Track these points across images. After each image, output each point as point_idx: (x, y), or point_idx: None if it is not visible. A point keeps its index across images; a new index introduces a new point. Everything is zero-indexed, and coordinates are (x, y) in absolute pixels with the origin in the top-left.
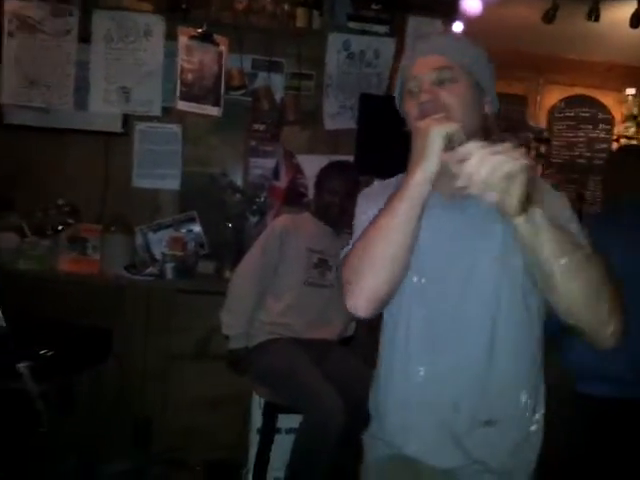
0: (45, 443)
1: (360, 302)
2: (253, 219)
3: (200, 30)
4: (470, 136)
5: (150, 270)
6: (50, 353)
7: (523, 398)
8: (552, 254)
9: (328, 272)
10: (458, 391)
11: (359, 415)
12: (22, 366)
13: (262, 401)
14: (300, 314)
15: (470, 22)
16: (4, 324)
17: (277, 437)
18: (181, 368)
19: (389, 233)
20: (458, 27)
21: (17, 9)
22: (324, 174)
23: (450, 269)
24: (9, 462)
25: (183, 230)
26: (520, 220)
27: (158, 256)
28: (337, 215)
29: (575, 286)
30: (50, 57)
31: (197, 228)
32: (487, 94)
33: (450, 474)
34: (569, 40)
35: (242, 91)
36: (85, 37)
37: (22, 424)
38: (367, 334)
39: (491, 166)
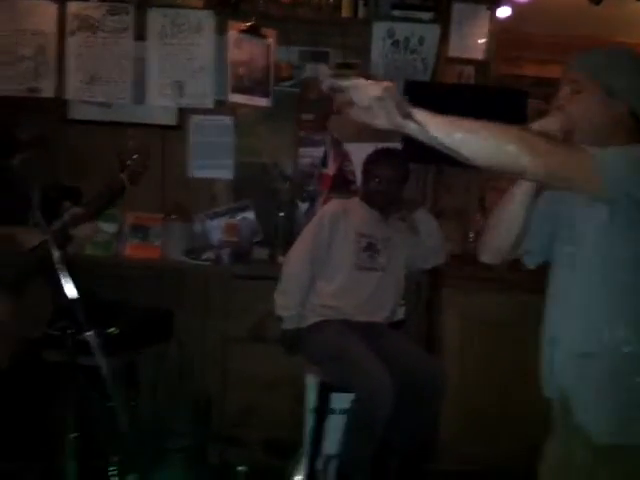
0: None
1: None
2: (303, 206)
3: (249, 24)
4: (600, 135)
5: (207, 255)
6: (116, 332)
7: (620, 332)
8: (446, 135)
9: (377, 256)
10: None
11: (409, 395)
12: (89, 335)
13: (316, 381)
14: (350, 297)
15: (517, 7)
16: (77, 295)
17: (331, 417)
18: (238, 350)
19: (505, 201)
20: (504, 12)
21: (78, 9)
22: (371, 161)
23: None
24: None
25: (238, 217)
26: (407, 126)
27: (215, 242)
28: (384, 201)
29: (476, 147)
30: (109, 54)
31: (251, 215)
32: (622, 95)
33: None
34: (618, 22)
35: (290, 82)
36: (141, 34)
37: (92, 398)
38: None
39: (363, 92)
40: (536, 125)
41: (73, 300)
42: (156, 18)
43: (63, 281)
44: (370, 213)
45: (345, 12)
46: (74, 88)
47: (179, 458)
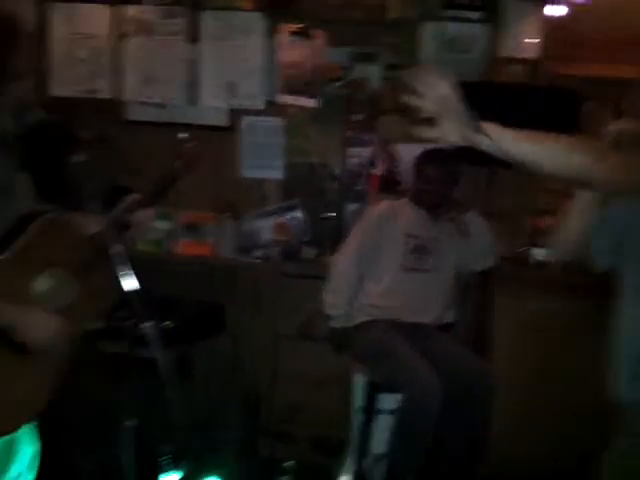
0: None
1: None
2: (351, 206)
3: (298, 26)
4: None
5: (257, 254)
6: (170, 326)
7: None
8: (514, 147)
9: (425, 257)
10: None
11: (457, 397)
12: (147, 326)
13: (363, 380)
14: (398, 298)
15: (574, 6)
16: (138, 286)
17: (379, 417)
18: (288, 347)
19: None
20: (559, 11)
21: (135, 13)
22: (421, 161)
23: None
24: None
25: (287, 217)
26: (476, 139)
27: (264, 241)
28: (434, 201)
29: (544, 158)
30: (164, 56)
31: (299, 215)
32: None
33: None
34: None
35: (339, 83)
36: (194, 36)
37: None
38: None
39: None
40: (615, 127)
41: (132, 291)
42: (209, 21)
43: (122, 270)
44: (419, 214)
45: (394, 12)
46: (131, 89)
47: (230, 450)
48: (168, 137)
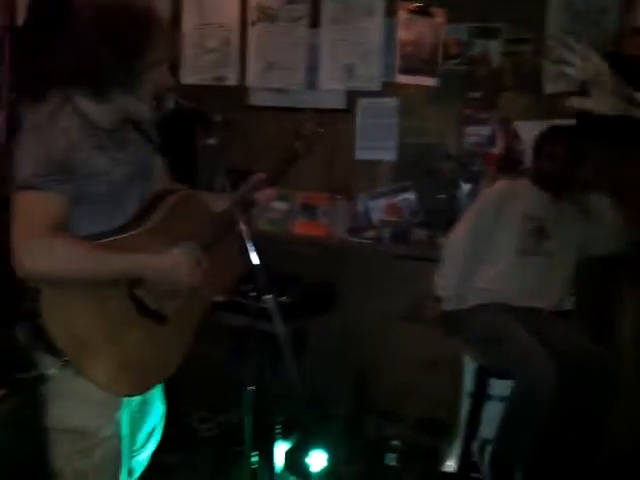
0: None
1: None
2: (466, 187)
3: (418, 4)
4: None
5: (369, 234)
6: (287, 301)
7: None
8: None
9: (545, 241)
10: None
11: (574, 386)
12: (269, 298)
13: (474, 365)
14: (514, 282)
15: None
16: (258, 262)
17: (489, 404)
18: (396, 328)
19: None
20: None
21: (259, 1)
22: (543, 139)
23: None
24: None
25: (399, 198)
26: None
27: (376, 222)
28: (556, 182)
29: None
30: (285, 42)
31: (412, 196)
32: None
33: None
34: None
35: (459, 60)
36: (315, 21)
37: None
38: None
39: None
40: None
41: (256, 265)
42: (329, 5)
43: (248, 246)
44: (540, 195)
45: None
46: (254, 76)
47: (338, 425)
48: (288, 121)
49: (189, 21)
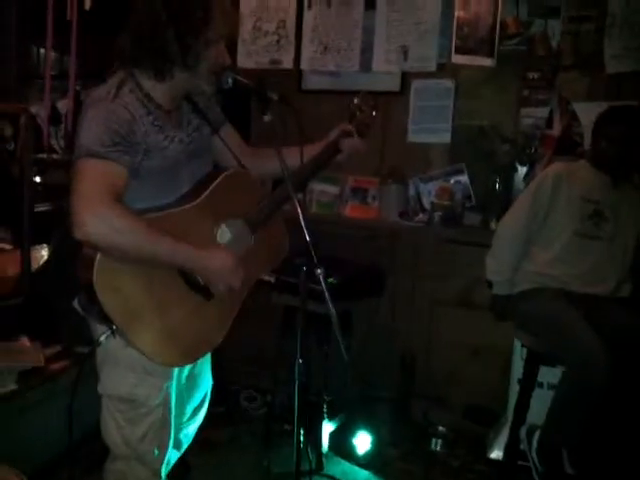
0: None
1: None
2: (522, 169)
3: None
4: None
5: (420, 218)
6: (335, 282)
7: None
8: None
9: (603, 224)
10: None
11: (630, 375)
12: (319, 272)
13: (524, 351)
14: (569, 266)
15: None
16: (309, 238)
17: (539, 391)
18: (445, 313)
19: None
20: None
21: None
22: (603, 120)
23: None
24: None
25: (451, 181)
26: None
27: (427, 205)
28: (616, 164)
29: None
30: (340, 24)
31: (464, 179)
32: None
33: None
34: None
35: (517, 39)
36: (370, 3)
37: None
38: None
39: None
40: None
41: (308, 240)
42: None
43: (302, 222)
44: (599, 177)
45: None
46: (308, 59)
47: (384, 408)
48: (341, 105)
49: (246, 4)
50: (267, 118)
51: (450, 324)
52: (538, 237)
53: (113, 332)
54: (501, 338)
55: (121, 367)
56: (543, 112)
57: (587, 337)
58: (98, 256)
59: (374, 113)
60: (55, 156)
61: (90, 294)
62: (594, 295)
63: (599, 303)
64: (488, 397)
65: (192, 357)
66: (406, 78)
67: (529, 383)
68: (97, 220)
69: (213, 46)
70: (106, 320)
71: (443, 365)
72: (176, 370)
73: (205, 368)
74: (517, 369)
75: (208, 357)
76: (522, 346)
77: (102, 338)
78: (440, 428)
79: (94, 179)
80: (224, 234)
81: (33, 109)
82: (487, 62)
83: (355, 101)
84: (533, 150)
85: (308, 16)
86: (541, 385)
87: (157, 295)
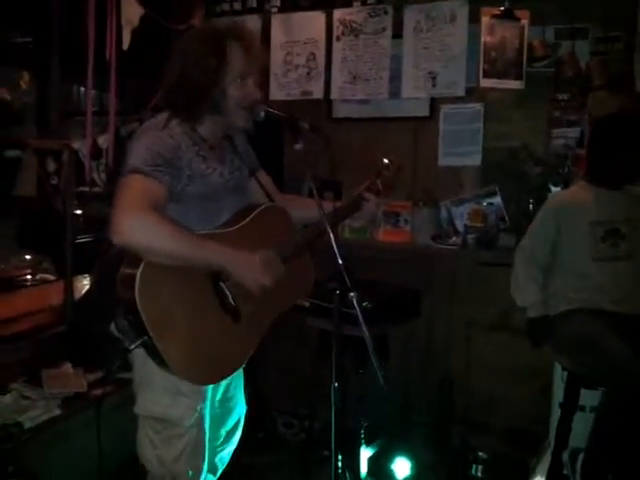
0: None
1: None
2: (555, 190)
3: (502, 8)
4: None
5: (453, 240)
6: (369, 306)
7: None
8: None
9: (620, 242)
10: None
11: None
12: (352, 295)
13: (565, 374)
14: (595, 291)
15: None
16: (342, 262)
17: (581, 415)
18: (482, 337)
19: None
20: None
21: (343, 16)
22: (595, 132)
23: None
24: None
25: (484, 203)
26: None
27: (460, 228)
28: (619, 176)
29: None
30: (369, 54)
31: (497, 201)
32: None
33: None
34: None
35: (545, 62)
36: (398, 32)
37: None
38: None
39: None
40: None
41: (341, 264)
42: (412, 14)
43: (334, 247)
44: (602, 195)
45: None
46: (338, 89)
47: (422, 433)
48: (369, 132)
49: (277, 38)
50: (299, 147)
51: (488, 347)
52: (559, 264)
53: (144, 342)
54: (541, 361)
55: (156, 388)
56: (574, 132)
57: (627, 361)
58: (140, 268)
59: (399, 173)
60: (96, 189)
61: (128, 307)
62: (628, 315)
63: (633, 322)
64: (529, 421)
65: (215, 377)
66: (435, 103)
67: (570, 406)
68: (134, 226)
69: (236, 85)
70: (140, 332)
71: (482, 389)
72: (209, 393)
73: (238, 393)
74: (558, 392)
75: (241, 382)
76: (563, 369)
77: (132, 347)
78: (480, 453)
79: (135, 190)
80: None
81: (75, 145)
82: (516, 85)
83: (385, 161)
84: (566, 170)
85: (337, 47)
86: (583, 408)
87: (190, 311)
